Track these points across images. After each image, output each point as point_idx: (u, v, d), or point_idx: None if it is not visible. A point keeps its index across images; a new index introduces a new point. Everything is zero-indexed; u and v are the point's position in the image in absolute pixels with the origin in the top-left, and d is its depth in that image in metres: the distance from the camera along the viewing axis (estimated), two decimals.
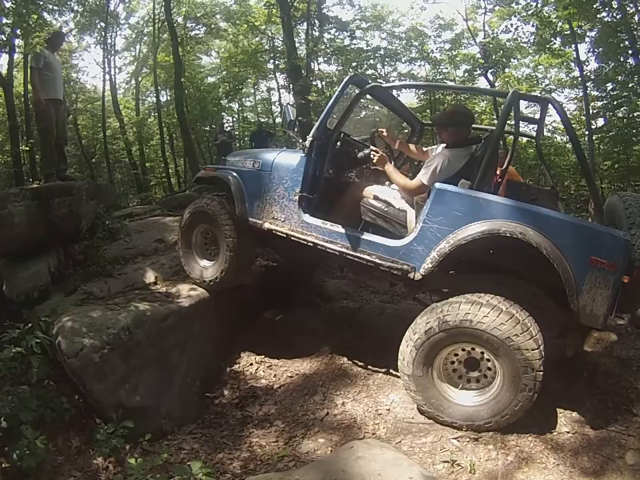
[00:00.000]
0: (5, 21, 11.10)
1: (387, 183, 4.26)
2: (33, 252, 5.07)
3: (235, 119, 25.61)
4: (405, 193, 3.89)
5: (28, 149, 13.43)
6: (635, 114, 14.40)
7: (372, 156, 3.99)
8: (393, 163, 4.23)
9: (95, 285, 4.86)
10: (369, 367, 4.24)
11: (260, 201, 4.25)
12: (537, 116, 4.50)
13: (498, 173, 4.25)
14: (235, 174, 4.45)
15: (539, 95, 4.40)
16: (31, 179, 12.67)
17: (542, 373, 3.11)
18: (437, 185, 3.49)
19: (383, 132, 4.42)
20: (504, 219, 3.27)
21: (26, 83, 14.13)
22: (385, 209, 3.90)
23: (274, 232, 4.15)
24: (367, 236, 3.75)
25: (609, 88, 14.73)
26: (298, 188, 4.00)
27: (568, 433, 3.25)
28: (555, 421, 3.37)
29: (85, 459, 3.47)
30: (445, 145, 3.89)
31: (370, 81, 4.50)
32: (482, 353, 3.30)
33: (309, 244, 3.97)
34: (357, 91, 4.25)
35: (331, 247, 3.84)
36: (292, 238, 4.05)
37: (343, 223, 3.88)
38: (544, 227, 3.19)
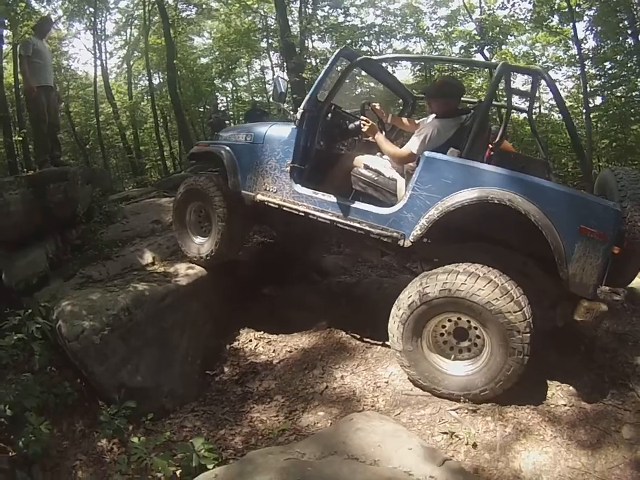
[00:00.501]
0: None
1: (377, 153, 4.26)
2: (30, 239, 5.08)
3: (229, 99, 25.45)
4: (395, 162, 3.91)
5: (21, 139, 13.32)
6: (634, 93, 14.34)
7: (362, 125, 4.00)
8: (384, 133, 4.24)
9: (94, 268, 4.89)
10: (367, 340, 4.26)
11: (252, 174, 4.30)
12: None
13: (491, 146, 4.25)
14: (227, 148, 4.49)
15: (530, 67, 4.37)
16: (25, 169, 12.58)
17: (529, 334, 3.11)
18: (426, 153, 3.51)
19: (375, 105, 4.44)
20: (493, 186, 3.27)
21: (16, 74, 13.96)
22: (375, 178, 3.92)
23: (266, 203, 4.19)
24: (358, 204, 3.79)
25: (607, 67, 14.67)
26: (289, 159, 4.04)
27: (565, 405, 3.27)
28: (552, 393, 3.39)
29: (90, 441, 3.50)
30: (435, 115, 3.90)
31: (360, 54, 4.51)
32: (468, 321, 3.32)
33: (300, 214, 4.01)
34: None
35: (322, 215, 3.88)
36: (284, 208, 4.09)
37: (335, 192, 3.91)
38: (533, 195, 3.18)
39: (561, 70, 18.99)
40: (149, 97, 21.78)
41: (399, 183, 3.81)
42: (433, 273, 3.36)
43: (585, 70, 14.81)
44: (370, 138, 4.12)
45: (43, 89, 5.97)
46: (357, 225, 3.74)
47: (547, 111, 20.27)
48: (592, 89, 15.35)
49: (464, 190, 3.31)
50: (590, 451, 2.89)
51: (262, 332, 4.68)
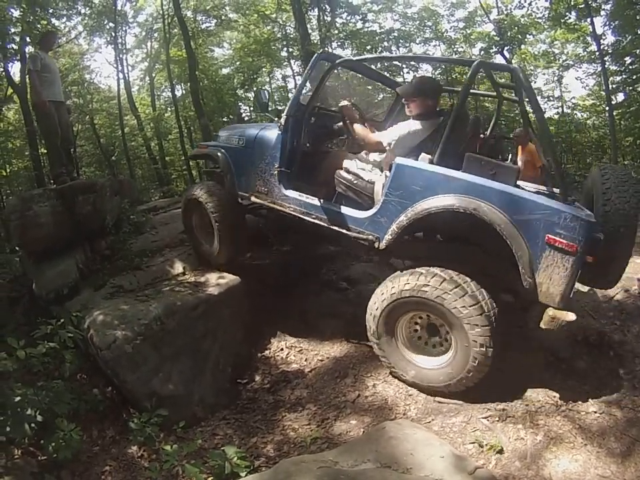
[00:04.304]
0: (13, 30, 11.34)
1: (362, 152, 4.37)
2: (60, 250, 5.18)
3: (251, 109, 25.58)
4: (365, 145, 4.06)
5: (47, 151, 13.59)
6: None
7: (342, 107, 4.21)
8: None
9: (124, 278, 4.93)
10: None
11: (247, 176, 4.56)
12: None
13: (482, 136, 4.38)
14: (223, 150, 4.79)
15: (505, 64, 4.44)
16: (51, 181, 12.82)
17: (488, 327, 3.22)
18: (398, 159, 3.59)
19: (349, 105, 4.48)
20: (461, 194, 3.29)
21: None
22: (355, 182, 4.03)
23: (260, 204, 4.47)
24: (337, 207, 3.97)
25: (627, 62, 14.39)
26: (277, 163, 4.25)
27: (595, 413, 3.24)
28: (583, 400, 3.37)
29: (120, 448, 3.54)
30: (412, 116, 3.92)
31: (341, 56, 4.79)
32: (428, 316, 3.53)
33: (289, 215, 4.26)
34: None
35: (307, 218, 4.11)
36: (275, 210, 4.36)
37: (321, 194, 4.12)
38: (500, 203, 3.18)
39: (581, 67, 18.79)
40: (173, 108, 22.04)
41: (376, 186, 3.89)
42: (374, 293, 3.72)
43: (606, 66, 14.51)
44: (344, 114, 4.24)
45: (52, 103, 5.96)
46: (337, 228, 3.94)
47: (569, 110, 20.04)
48: (613, 86, 15.06)
49: (432, 197, 3.38)
50: (620, 459, 2.85)
51: (293, 340, 4.70)
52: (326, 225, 4.00)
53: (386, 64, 16.50)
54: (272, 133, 4.34)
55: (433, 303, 3.35)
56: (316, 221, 4.06)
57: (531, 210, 3.13)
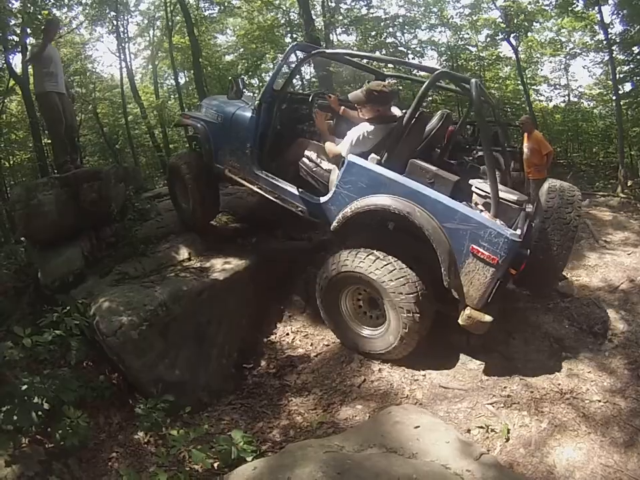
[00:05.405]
0: (13, 21, 11.26)
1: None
2: (65, 238, 5.17)
3: (256, 95, 25.40)
4: (329, 156, 4.27)
5: (50, 141, 13.55)
6: None
7: (315, 116, 4.53)
8: (334, 120, 4.89)
9: (129, 265, 4.92)
10: None
11: (223, 150, 4.91)
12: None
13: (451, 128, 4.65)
14: (203, 123, 5.11)
15: (463, 76, 4.63)
16: (55, 171, 12.79)
17: (413, 295, 3.53)
18: (349, 156, 3.89)
19: (330, 96, 4.88)
20: (400, 195, 3.59)
21: None
22: (314, 169, 4.40)
23: (233, 179, 4.81)
24: (296, 190, 4.34)
25: (635, 51, 14.22)
26: (249, 143, 4.60)
27: (599, 402, 3.26)
28: (587, 389, 3.39)
29: (127, 434, 3.55)
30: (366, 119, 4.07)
31: (318, 47, 5.26)
32: (365, 291, 3.86)
33: (256, 191, 4.62)
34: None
35: (270, 196, 4.51)
36: (245, 185, 4.72)
37: (292, 173, 4.49)
38: (433, 210, 3.47)
39: (588, 56, 18.61)
40: (176, 96, 21.96)
41: (332, 175, 4.19)
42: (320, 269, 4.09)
43: (613, 55, 14.34)
44: (317, 124, 4.54)
45: (56, 93, 5.86)
46: (294, 209, 4.34)
47: (576, 99, 19.93)
48: (621, 75, 14.90)
49: (374, 195, 3.71)
50: (623, 449, 2.88)
51: (299, 325, 4.71)
52: (287, 205, 4.38)
53: (391, 49, 16.41)
54: (247, 114, 4.66)
55: (367, 278, 3.66)
56: (278, 201, 4.43)
57: (460, 220, 3.40)
